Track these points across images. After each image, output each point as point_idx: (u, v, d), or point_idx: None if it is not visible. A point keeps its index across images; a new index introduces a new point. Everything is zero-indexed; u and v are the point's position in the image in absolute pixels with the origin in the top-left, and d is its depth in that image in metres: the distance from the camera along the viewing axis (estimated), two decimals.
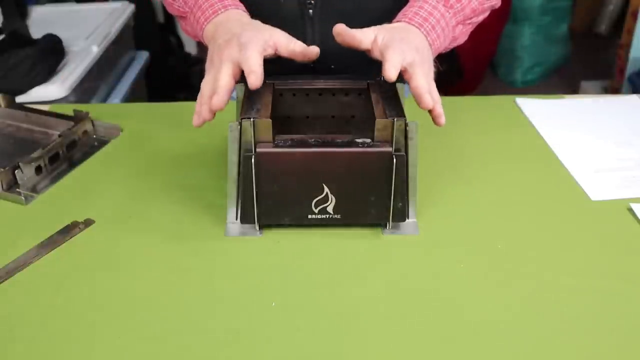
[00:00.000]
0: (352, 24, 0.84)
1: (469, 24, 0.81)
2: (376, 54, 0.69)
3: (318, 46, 0.85)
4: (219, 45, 0.68)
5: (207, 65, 0.69)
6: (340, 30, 0.69)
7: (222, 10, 0.75)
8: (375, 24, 0.80)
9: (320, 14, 0.84)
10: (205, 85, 0.66)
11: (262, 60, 0.65)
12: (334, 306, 0.59)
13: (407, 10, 0.75)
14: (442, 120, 0.67)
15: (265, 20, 0.78)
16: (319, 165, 0.65)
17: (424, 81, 0.65)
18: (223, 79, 0.64)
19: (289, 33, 0.77)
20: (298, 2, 0.83)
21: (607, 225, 0.70)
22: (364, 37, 0.69)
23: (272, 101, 0.69)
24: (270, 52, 0.68)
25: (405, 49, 0.66)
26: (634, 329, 0.56)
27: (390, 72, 0.63)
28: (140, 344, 0.55)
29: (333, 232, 0.69)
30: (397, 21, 0.74)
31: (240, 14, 0.75)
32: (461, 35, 0.81)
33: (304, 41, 0.85)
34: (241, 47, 0.65)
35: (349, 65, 0.83)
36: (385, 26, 0.72)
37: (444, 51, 0.80)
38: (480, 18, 0.83)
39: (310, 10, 0.84)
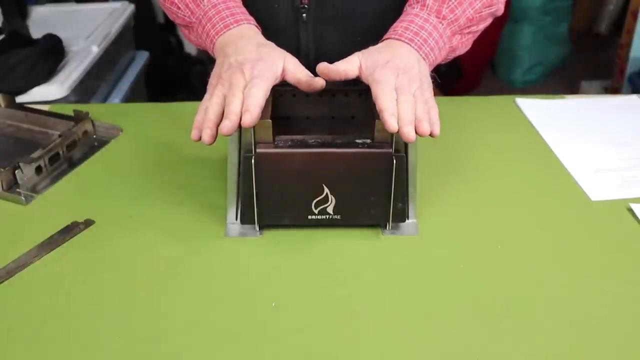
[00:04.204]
0: (346, 28, 0.84)
1: (468, 33, 0.79)
2: (364, 81, 0.68)
3: (312, 51, 0.85)
4: (230, 64, 0.67)
5: (214, 81, 0.67)
6: (324, 69, 0.67)
7: (234, 25, 0.73)
8: (368, 28, 0.80)
9: (314, 19, 0.84)
10: (213, 106, 0.64)
11: (264, 100, 0.63)
12: (333, 306, 0.59)
13: (397, 26, 0.74)
14: (436, 131, 0.64)
15: (260, 24, 0.77)
16: (319, 165, 0.65)
17: (405, 110, 0.62)
18: (237, 105, 0.62)
19: (283, 37, 0.76)
20: (292, 6, 0.83)
21: (607, 225, 0.70)
22: (350, 67, 0.68)
23: (272, 101, 0.69)
24: (277, 81, 0.68)
25: (389, 76, 0.65)
26: (634, 329, 0.56)
27: (391, 124, 0.61)
28: (140, 344, 0.55)
29: (333, 233, 0.69)
30: (387, 38, 0.73)
31: (254, 31, 0.74)
32: (461, 45, 0.79)
33: (298, 46, 0.85)
34: (252, 79, 0.64)
35: None
36: (371, 49, 0.70)
37: (443, 62, 0.78)
38: (481, 27, 0.80)
39: (304, 15, 0.84)
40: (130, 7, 1.72)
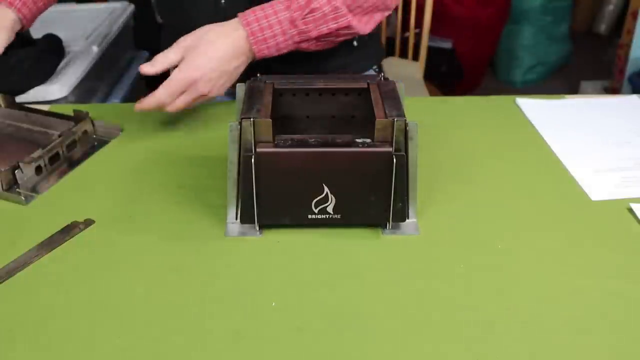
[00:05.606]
0: None
1: (358, 7, 0.82)
2: None
3: None
4: None
5: None
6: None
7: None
8: None
9: (232, 5, 0.87)
10: None
11: None
12: (334, 306, 0.59)
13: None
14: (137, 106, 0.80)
15: (183, 11, 0.84)
16: (319, 165, 0.65)
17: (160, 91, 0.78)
18: None
19: (199, 23, 0.81)
20: None
21: (607, 225, 0.70)
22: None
23: (272, 101, 0.69)
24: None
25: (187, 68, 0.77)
26: (634, 328, 0.56)
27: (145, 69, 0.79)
28: (140, 344, 0.55)
29: (333, 232, 0.69)
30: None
31: (6, 13, 0.86)
32: (359, 23, 0.83)
33: None
34: None
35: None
36: (196, 37, 0.79)
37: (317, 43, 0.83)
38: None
39: (223, 1, 0.88)
40: (130, 7, 1.72)
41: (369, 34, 0.99)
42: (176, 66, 0.79)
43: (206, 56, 0.78)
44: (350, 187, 0.66)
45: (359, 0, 0.81)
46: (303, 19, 0.78)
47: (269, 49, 0.80)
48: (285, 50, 0.81)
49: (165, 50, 0.79)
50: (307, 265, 0.64)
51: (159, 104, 0.80)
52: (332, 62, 0.94)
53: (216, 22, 0.82)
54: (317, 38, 0.81)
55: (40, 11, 0.93)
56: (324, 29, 0.79)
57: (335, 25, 0.80)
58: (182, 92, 0.79)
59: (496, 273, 0.63)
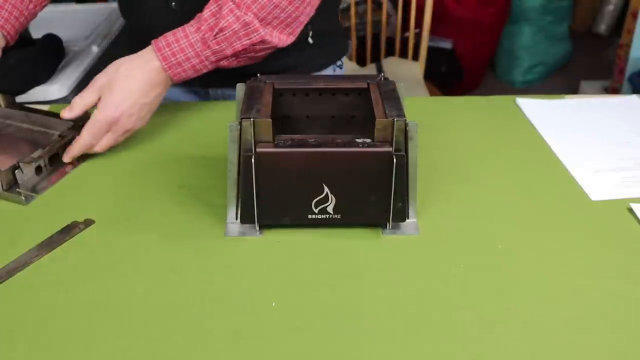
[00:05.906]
0: None
1: (268, 23, 0.81)
2: None
3: None
4: None
5: None
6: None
7: None
8: None
9: (182, 8, 0.88)
10: None
11: None
12: (334, 306, 0.59)
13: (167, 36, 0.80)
14: (66, 157, 0.81)
15: (140, 13, 0.86)
16: (319, 165, 0.65)
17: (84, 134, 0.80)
18: None
19: (154, 24, 0.83)
20: None
21: (607, 225, 0.70)
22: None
23: (272, 101, 0.69)
24: None
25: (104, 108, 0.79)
26: (634, 328, 0.56)
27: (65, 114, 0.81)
28: (140, 344, 0.55)
29: (333, 232, 0.69)
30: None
31: None
32: (280, 35, 0.83)
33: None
34: None
35: None
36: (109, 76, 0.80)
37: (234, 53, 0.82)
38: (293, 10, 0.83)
39: (174, 3, 0.88)
40: None
41: (328, 30, 0.98)
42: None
43: (123, 93, 0.78)
44: (350, 187, 0.66)
45: (274, 11, 0.80)
46: (214, 38, 0.78)
47: (185, 72, 0.81)
48: (204, 71, 0.82)
49: (82, 92, 0.80)
50: (307, 265, 0.64)
51: (86, 147, 0.80)
52: (281, 61, 0.92)
53: (170, 23, 0.82)
54: (235, 55, 0.81)
55: (23, 26, 0.95)
56: (238, 46, 0.80)
57: (248, 41, 0.80)
58: (107, 132, 0.80)
59: (496, 273, 0.63)
